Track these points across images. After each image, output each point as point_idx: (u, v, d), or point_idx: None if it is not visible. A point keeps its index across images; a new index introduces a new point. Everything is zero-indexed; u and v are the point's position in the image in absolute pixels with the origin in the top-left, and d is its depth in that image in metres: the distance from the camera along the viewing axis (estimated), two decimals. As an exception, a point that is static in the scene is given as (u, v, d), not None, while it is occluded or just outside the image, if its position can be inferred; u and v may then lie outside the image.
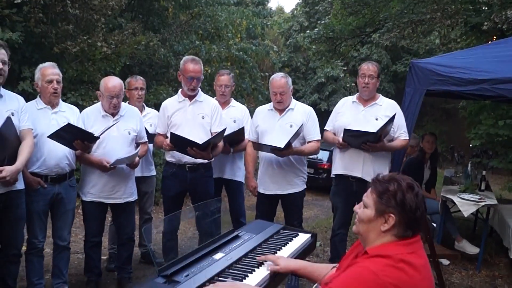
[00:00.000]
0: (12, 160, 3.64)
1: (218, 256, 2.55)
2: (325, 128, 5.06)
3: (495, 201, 6.09)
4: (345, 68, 22.39)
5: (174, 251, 2.51)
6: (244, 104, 6.16)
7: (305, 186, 4.94)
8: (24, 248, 4.13)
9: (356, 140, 4.63)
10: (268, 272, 2.43)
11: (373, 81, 4.74)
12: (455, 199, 5.90)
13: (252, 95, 14.50)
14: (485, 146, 11.56)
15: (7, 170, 3.54)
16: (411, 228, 2.03)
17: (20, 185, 3.80)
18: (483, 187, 6.55)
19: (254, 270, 2.42)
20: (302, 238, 3.03)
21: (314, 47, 15.54)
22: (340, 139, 4.72)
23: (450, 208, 6.31)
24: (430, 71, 4.95)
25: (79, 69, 8.94)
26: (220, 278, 2.26)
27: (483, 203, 5.85)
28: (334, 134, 4.91)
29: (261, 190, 4.92)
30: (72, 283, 4.53)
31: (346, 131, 4.61)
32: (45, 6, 8.12)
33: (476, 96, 5.72)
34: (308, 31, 16.76)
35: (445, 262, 6.02)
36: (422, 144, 6.44)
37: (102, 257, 4.88)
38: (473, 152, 16.13)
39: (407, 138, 4.82)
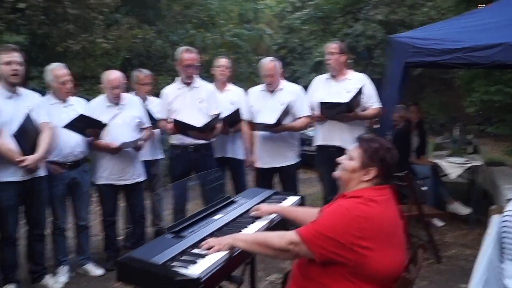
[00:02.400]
0: (33, 150, 4.14)
1: (217, 217, 3.01)
2: None
3: (480, 163, 6.41)
4: (346, 46, 22.54)
5: (182, 213, 2.96)
6: (242, 88, 6.58)
7: (299, 159, 5.42)
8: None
9: (331, 111, 5.10)
10: (264, 223, 2.91)
11: (334, 56, 5.20)
12: (442, 162, 6.27)
13: (250, 78, 14.86)
14: (487, 114, 11.75)
15: (30, 159, 4.06)
16: (385, 180, 2.45)
17: (42, 171, 4.31)
18: (470, 150, 6.91)
19: (247, 226, 2.88)
20: (291, 200, 3.49)
21: (306, 27, 15.79)
22: (317, 113, 5.17)
23: (442, 175, 6.62)
24: (407, 44, 5.32)
25: (82, 66, 9.38)
26: (218, 234, 2.71)
27: (468, 165, 6.19)
28: (312, 110, 5.33)
29: (259, 165, 5.40)
30: (95, 259, 4.98)
31: (321, 104, 5.09)
32: (45, 8, 8.53)
33: (459, 65, 6.00)
34: (299, 12, 16.96)
35: (440, 223, 6.36)
36: (407, 115, 6.79)
37: (119, 238, 5.38)
38: (476, 121, 16.42)
39: (379, 106, 5.26)
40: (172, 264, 2.28)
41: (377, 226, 2.28)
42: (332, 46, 5.25)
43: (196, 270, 2.20)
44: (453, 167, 6.20)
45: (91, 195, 5.13)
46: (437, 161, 6.37)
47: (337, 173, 2.58)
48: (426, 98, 21.45)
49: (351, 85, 5.17)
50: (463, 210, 6.42)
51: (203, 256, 2.36)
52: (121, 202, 5.21)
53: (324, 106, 5.10)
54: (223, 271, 2.34)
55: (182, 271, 2.18)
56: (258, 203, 3.28)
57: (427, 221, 5.21)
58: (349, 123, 5.15)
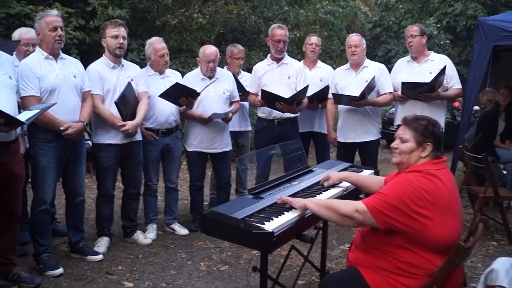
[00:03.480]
0: (132, 116, 4.54)
1: (294, 183, 3.25)
2: None
3: None
4: (439, 26, 21.89)
5: (263, 179, 3.21)
6: (333, 66, 6.75)
7: (380, 136, 5.52)
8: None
9: (413, 91, 5.18)
10: (339, 190, 3.14)
11: (415, 39, 5.29)
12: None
13: (341, 56, 14.84)
14: None
15: (129, 124, 4.45)
16: (439, 150, 2.62)
17: (138, 136, 4.71)
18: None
19: (321, 193, 3.09)
20: (366, 173, 3.65)
21: (403, 5, 15.49)
22: (399, 93, 5.26)
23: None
24: (497, 27, 5.28)
25: (178, 39, 9.84)
26: (293, 197, 2.93)
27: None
28: (394, 91, 5.41)
29: (340, 139, 5.56)
30: (181, 221, 5.38)
31: (403, 84, 5.19)
32: (147, -17, 9.00)
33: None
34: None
35: (517, 206, 6.32)
36: (497, 97, 6.67)
37: (204, 203, 5.74)
38: None
39: (460, 87, 5.35)
40: (250, 219, 2.54)
41: (436, 197, 2.44)
42: (413, 29, 5.35)
43: (271, 225, 2.44)
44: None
45: (182, 161, 5.50)
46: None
47: (394, 160, 2.74)
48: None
49: (433, 66, 5.26)
50: None
51: (278, 215, 2.60)
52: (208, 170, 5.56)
53: (406, 86, 5.20)
54: (295, 229, 2.56)
55: (259, 225, 2.43)
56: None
57: (502, 203, 5.18)
58: (430, 103, 5.23)
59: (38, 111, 3.56)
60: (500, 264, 1.99)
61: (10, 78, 3.61)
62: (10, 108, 3.42)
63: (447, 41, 21.52)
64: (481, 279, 2.02)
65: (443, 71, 5.05)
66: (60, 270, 4.09)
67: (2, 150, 3.55)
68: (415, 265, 2.45)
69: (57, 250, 4.60)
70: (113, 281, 4.03)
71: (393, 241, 2.48)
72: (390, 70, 5.62)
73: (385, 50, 24.66)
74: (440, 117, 5.22)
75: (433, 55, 5.43)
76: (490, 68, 7.69)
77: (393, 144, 2.73)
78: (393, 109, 12.89)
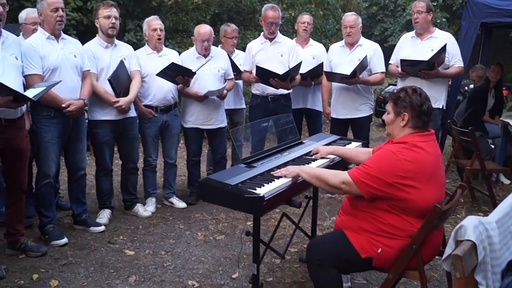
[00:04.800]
0: (125, 93, 4.74)
1: (285, 154, 3.46)
2: (389, 62, 5.73)
3: None
4: (435, 4, 21.89)
5: (257, 150, 3.39)
6: (328, 44, 6.88)
7: (372, 112, 5.71)
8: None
9: (412, 68, 5.28)
10: (325, 161, 3.33)
11: (421, 15, 5.33)
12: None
13: (337, 35, 14.91)
14: None
15: (123, 100, 4.66)
16: (422, 118, 2.75)
17: (132, 112, 4.92)
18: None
19: (310, 163, 3.29)
20: (353, 145, 3.86)
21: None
22: (400, 69, 5.38)
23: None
24: (484, 4, 5.40)
25: (174, 20, 9.94)
26: (283, 166, 3.11)
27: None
28: (397, 66, 5.54)
29: (333, 115, 5.77)
30: (178, 195, 5.59)
31: (402, 61, 5.30)
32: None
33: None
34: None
35: (507, 181, 6.52)
36: (488, 74, 6.82)
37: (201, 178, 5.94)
38: None
39: (462, 65, 5.39)
40: (243, 185, 2.75)
41: (419, 168, 2.63)
42: (420, 5, 5.36)
43: (262, 190, 2.65)
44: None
45: (180, 137, 5.70)
46: (508, 120, 6.41)
47: (386, 131, 2.96)
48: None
49: (436, 43, 5.30)
50: None
51: (268, 181, 2.80)
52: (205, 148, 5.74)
53: (405, 63, 5.31)
54: (284, 194, 2.78)
55: (250, 190, 2.63)
56: (325, 145, 3.70)
57: (489, 176, 5.38)
58: (431, 80, 5.31)
59: (44, 88, 3.75)
60: (469, 221, 2.17)
61: (17, 59, 3.80)
62: (16, 87, 3.61)
63: (444, 20, 21.55)
64: (451, 235, 2.21)
65: (443, 49, 5.09)
66: (64, 240, 4.31)
67: (9, 126, 3.75)
68: (396, 227, 2.66)
69: (61, 223, 4.82)
70: (115, 249, 4.26)
71: (377, 205, 2.69)
72: (387, 49, 5.73)
73: (381, 29, 24.72)
74: (441, 95, 5.37)
75: (437, 32, 5.46)
76: (482, 45, 7.87)
77: (383, 116, 2.94)
78: (388, 87, 13.07)
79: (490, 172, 5.50)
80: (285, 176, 2.90)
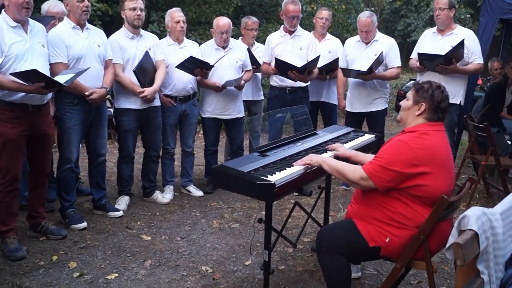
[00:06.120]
0: (150, 83, 4.85)
1: (298, 143, 3.54)
2: (410, 56, 5.76)
3: None
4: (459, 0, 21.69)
5: (270, 139, 3.47)
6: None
7: (387, 106, 5.74)
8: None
9: (430, 63, 5.30)
10: (332, 155, 3.36)
11: (443, 12, 5.33)
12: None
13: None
14: None
15: (148, 90, 4.77)
16: (437, 113, 2.83)
17: (157, 102, 5.02)
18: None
19: (321, 153, 3.34)
20: (366, 137, 3.91)
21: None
22: (418, 64, 5.42)
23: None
24: (503, 1, 5.39)
25: (197, 12, 10.06)
26: (297, 156, 3.20)
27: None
28: (417, 61, 5.54)
29: (348, 109, 5.83)
30: (196, 184, 5.70)
31: (419, 54, 5.33)
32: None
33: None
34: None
35: (521, 177, 6.51)
36: (506, 70, 6.79)
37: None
38: None
39: (481, 62, 5.38)
40: (255, 172, 2.83)
41: (432, 153, 2.71)
42: (442, 1, 5.36)
43: (273, 178, 2.73)
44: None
45: (197, 127, 5.80)
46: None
47: (398, 116, 3.03)
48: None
49: (457, 39, 5.28)
50: None
51: (280, 170, 2.89)
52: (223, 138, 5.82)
53: (422, 57, 5.33)
54: (295, 182, 2.86)
55: (262, 177, 2.72)
56: (338, 137, 3.78)
57: (503, 171, 5.40)
58: (449, 75, 5.31)
59: (73, 75, 3.89)
60: (473, 211, 2.23)
61: (43, 47, 3.94)
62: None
63: (468, 16, 21.34)
64: (455, 225, 2.27)
65: (460, 44, 5.10)
66: (84, 224, 4.46)
67: (36, 112, 3.89)
68: (405, 216, 2.72)
69: (81, 207, 4.97)
70: (132, 234, 4.39)
71: (389, 193, 2.76)
72: (410, 44, 5.75)
73: (404, 24, 24.53)
74: (458, 91, 5.37)
75: (458, 28, 5.45)
76: (503, 42, 7.83)
77: (400, 102, 3.02)
78: (410, 82, 13.02)
79: (505, 168, 5.49)
80: (308, 165, 2.97)
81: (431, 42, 5.54)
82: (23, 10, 3.71)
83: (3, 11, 3.77)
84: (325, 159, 3.02)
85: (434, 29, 5.61)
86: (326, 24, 6.15)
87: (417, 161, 2.66)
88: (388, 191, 2.75)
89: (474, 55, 5.35)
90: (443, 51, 5.23)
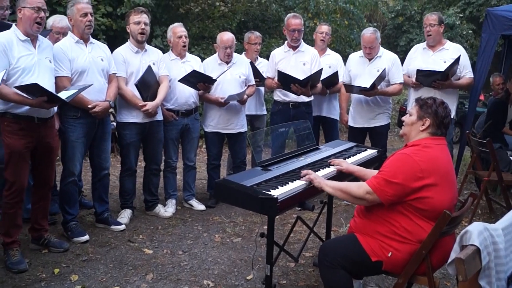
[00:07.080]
0: (153, 97, 4.88)
1: (301, 158, 3.55)
2: (402, 72, 5.77)
3: None
4: (462, 15, 21.74)
5: (273, 154, 3.49)
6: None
7: (389, 121, 5.76)
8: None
9: (427, 79, 5.37)
10: (334, 170, 3.37)
11: (434, 28, 5.43)
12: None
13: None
14: None
15: (150, 104, 4.80)
16: (440, 129, 2.87)
17: (159, 116, 5.05)
18: None
19: (323, 168, 3.36)
20: (369, 152, 3.93)
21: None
22: (414, 80, 5.48)
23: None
24: (504, 17, 5.46)
25: (200, 27, 10.13)
26: (298, 171, 3.20)
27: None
28: (409, 77, 5.64)
29: (351, 124, 5.85)
30: (198, 198, 5.71)
31: (419, 71, 5.38)
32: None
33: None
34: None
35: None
36: (508, 86, 6.81)
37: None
38: None
39: (472, 77, 5.52)
40: (258, 187, 2.85)
41: (435, 165, 2.73)
42: (432, 18, 5.48)
43: (276, 192, 2.74)
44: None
45: (199, 141, 5.82)
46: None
47: (401, 131, 3.06)
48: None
49: (448, 55, 5.42)
50: None
51: (283, 184, 2.90)
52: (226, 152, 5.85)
53: (421, 73, 5.39)
54: (297, 197, 2.87)
55: (265, 192, 2.73)
56: (340, 152, 3.79)
57: (505, 187, 5.39)
58: (443, 90, 5.39)
59: (76, 90, 3.95)
60: (475, 226, 2.23)
61: (50, 62, 3.99)
62: (49, 89, 3.78)
63: (470, 31, 21.38)
64: (457, 240, 2.28)
65: (457, 60, 5.22)
66: (86, 237, 4.46)
67: (41, 125, 3.92)
68: (408, 230, 2.73)
69: (84, 220, 4.97)
70: (134, 248, 4.39)
71: (392, 207, 2.77)
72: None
73: (407, 40, 24.56)
74: (452, 105, 5.39)
75: (448, 44, 5.57)
76: (504, 58, 7.87)
77: (403, 118, 3.05)
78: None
79: (507, 184, 5.49)
80: (311, 181, 2.98)
81: (422, 58, 5.62)
82: (35, 26, 3.77)
83: (14, 25, 3.83)
84: (327, 182, 3.03)
85: (424, 44, 5.70)
86: (326, 38, 6.20)
87: (421, 173, 2.68)
88: (392, 205, 2.75)
89: (465, 69, 5.48)
90: (436, 67, 5.35)
